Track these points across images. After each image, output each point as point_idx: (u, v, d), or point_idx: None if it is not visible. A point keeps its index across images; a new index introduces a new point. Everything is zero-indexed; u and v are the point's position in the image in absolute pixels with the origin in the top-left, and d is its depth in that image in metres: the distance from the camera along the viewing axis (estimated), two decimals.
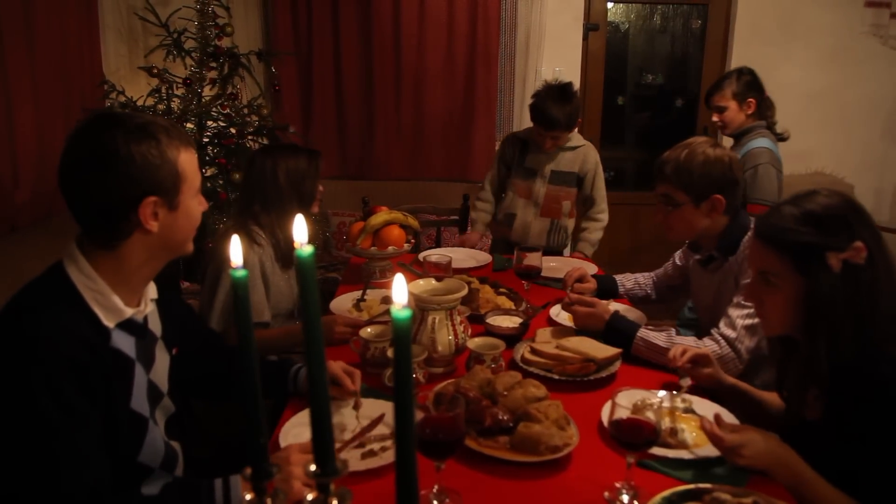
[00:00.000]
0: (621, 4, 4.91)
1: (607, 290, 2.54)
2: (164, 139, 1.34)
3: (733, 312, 1.97)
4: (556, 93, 3.03)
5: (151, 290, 1.48)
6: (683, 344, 1.94)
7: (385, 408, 1.67)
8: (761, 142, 3.17)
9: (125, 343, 1.37)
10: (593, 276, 2.56)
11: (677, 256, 2.49)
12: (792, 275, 1.40)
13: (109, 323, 1.33)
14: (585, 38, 4.77)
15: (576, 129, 3.26)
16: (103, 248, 1.34)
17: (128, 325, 1.38)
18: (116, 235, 1.33)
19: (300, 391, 1.75)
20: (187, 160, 1.38)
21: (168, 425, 1.52)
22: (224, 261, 2.13)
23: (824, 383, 1.40)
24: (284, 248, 2.31)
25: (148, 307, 1.45)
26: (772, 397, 1.76)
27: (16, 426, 1.21)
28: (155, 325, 1.50)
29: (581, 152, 3.29)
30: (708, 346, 1.94)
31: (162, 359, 1.51)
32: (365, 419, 1.63)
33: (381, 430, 1.60)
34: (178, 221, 1.39)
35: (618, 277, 2.63)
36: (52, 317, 1.26)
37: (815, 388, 1.44)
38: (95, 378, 1.27)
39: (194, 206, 1.42)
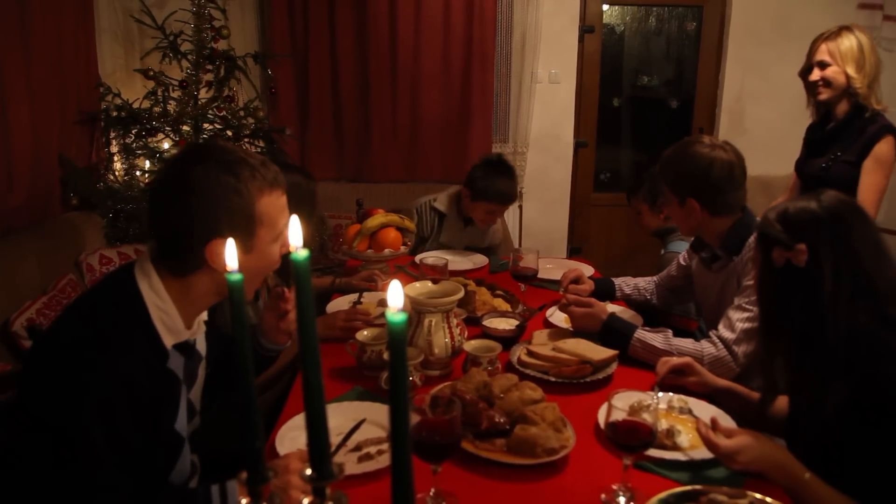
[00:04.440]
0: (617, 7, 4.92)
1: (604, 293, 2.50)
2: (247, 179, 1.31)
3: (733, 315, 1.95)
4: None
5: (203, 312, 1.47)
6: (678, 347, 1.95)
7: (382, 411, 1.67)
8: (675, 246, 2.96)
9: (177, 364, 1.37)
10: (590, 277, 2.54)
11: (682, 257, 2.44)
12: (759, 258, 1.50)
13: (168, 343, 1.33)
14: (581, 40, 4.78)
15: None
16: (172, 273, 1.34)
17: (182, 346, 1.38)
18: (185, 267, 1.33)
19: (267, 348, 1.69)
20: (270, 203, 1.36)
21: (191, 438, 1.51)
22: None
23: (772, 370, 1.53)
24: None
25: (201, 329, 1.45)
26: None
27: (61, 445, 1.19)
28: (202, 346, 1.51)
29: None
30: (705, 348, 1.94)
31: (201, 377, 1.52)
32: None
33: (378, 433, 1.60)
34: (248, 264, 1.31)
35: (617, 282, 2.57)
36: (121, 337, 1.25)
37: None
38: (148, 401, 1.26)
39: (273, 250, 1.39)
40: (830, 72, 2.59)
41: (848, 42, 2.57)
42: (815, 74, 2.64)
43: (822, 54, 2.62)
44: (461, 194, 3.14)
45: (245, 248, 1.32)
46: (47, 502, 1.20)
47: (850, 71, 2.55)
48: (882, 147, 2.52)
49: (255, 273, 1.39)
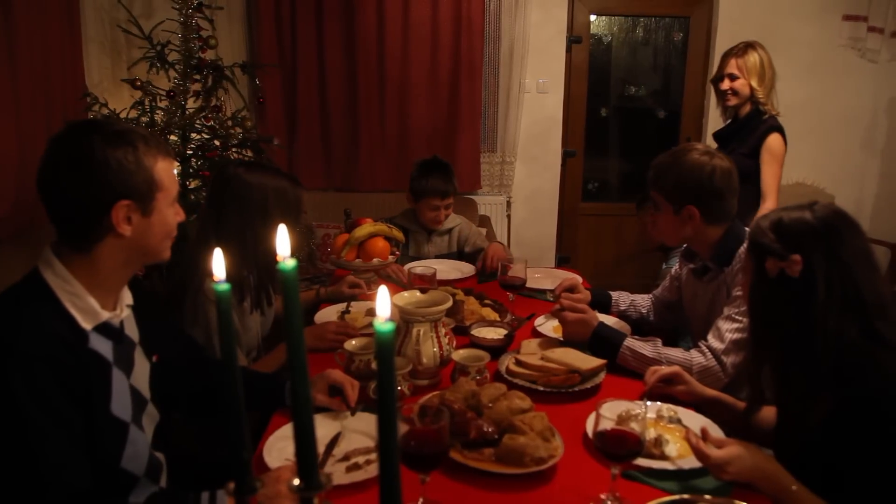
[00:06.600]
0: (604, 17, 4.96)
1: (600, 304, 2.45)
2: (142, 146, 1.36)
3: (723, 325, 1.96)
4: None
5: (127, 296, 1.48)
6: (667, 356, 1.95)
7: (371, 420, 1.67)
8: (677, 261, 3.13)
9: (102, 346, 1.37)
10: (586, 288, 2.51)
11: (673, 270, 2.42)
12: (751, 267, 1.51)
13: (86, 325, 1.34)
14: (569, 50, 4.81)
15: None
16: (78, 251, 1.35)
17: (104, 329, 1.38)
18: (90, 238, 1.34)
19: None
20: (164, 168, 1.40)
21: (154, 434, 1.52)
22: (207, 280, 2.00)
23: (760, 379, 1.54)
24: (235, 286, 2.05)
25: (124, 312, 1.45)
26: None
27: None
28: (132, 331, 1.50)
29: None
30: (694, 357, 1.94)
31: (142, 365, 1.51)
32: (352, 431, 1.63)
33: (366, 442, 1.60)
34: (152, 228, 1.40)
35: (614, 296, 2.54)
36: (31, 318, 1.27)
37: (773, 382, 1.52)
38: (75, 379, 1.28)
39: (170, 214, 1.44)
40: (738, 84, 3.09)
41: (753, 58, 3.07)
42: (726, 84, 3.12)
43: (732, 68, 3.10)
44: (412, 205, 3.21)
45: (146, 210, 1.37)
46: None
47: (754, 83, 3.06)
48: (772, 141, 3.00)
49: (159, 238, 1.43)
